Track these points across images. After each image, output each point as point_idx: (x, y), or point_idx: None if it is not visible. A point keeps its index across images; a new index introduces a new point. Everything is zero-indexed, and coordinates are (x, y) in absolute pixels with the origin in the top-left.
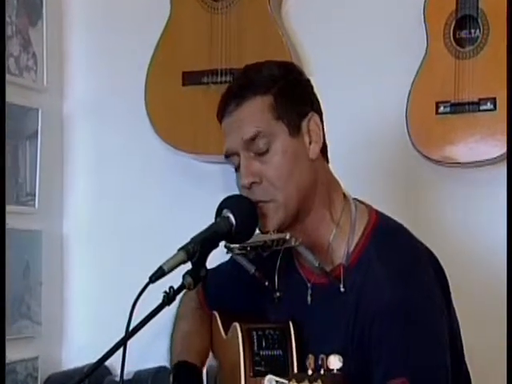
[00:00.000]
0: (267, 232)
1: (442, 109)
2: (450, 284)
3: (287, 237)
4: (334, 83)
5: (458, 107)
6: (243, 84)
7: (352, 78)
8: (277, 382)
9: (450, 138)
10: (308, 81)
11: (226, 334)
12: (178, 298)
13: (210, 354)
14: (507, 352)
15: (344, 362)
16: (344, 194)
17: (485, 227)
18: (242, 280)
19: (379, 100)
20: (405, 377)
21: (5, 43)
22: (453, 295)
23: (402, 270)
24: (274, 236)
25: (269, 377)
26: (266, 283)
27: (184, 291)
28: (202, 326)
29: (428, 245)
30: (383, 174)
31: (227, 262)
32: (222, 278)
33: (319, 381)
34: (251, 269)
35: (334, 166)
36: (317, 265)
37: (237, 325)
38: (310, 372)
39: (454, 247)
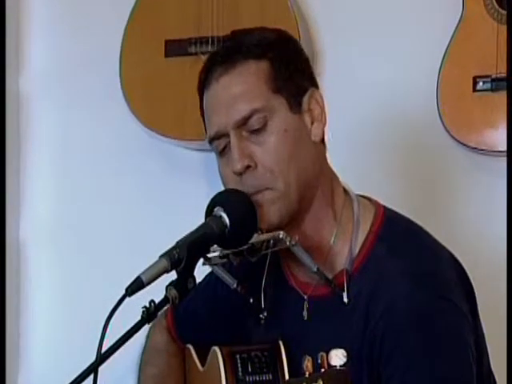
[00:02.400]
0: (264, 228)
1: (480, 85)
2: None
3: (281, 235)
4: (350, 58)
5: (499, 83)
6: (231, 46)
7: (373, 51)
8: None
9: (489, 120)
10: (305, 53)
11: (203, 366)
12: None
13: None
14: (507, 351)
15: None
16: (344, 189)
17: None
18: (220, 302)
19: (405, 75)
20: None
21: (5, 40)
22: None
23: (419, 268)
24: (265, 236)
25: None
26: (251, 300)
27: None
28: (174, 365)
29: (464, 249)
30: (409, 164)
31: (199, 283)
32: (193, 304)
33: (320, 381)
34: (233, 283)
35: (350, 154)
36: (315, 269)
37: (216, 349)
38: (307, 374)
39: (494, 252)
